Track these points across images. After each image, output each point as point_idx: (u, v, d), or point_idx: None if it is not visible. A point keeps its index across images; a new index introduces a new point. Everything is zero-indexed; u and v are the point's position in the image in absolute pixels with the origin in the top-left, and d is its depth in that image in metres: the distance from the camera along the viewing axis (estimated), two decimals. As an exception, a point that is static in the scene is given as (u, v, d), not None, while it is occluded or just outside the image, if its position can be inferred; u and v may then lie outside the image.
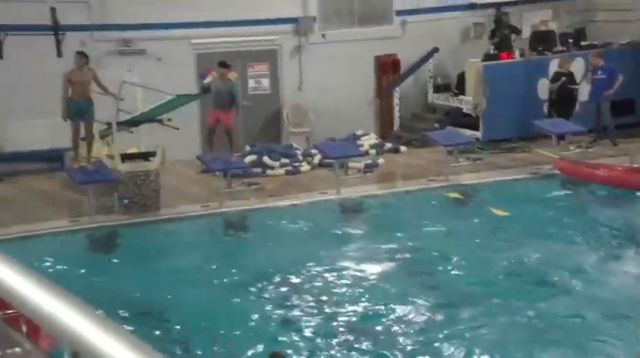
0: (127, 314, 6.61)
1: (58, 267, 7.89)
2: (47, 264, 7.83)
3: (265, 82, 13.22)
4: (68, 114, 9.86)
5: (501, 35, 13.55)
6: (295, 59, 13.26)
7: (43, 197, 10.46)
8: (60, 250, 8.65)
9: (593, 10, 14.62)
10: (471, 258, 8.08)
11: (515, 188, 10.62)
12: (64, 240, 8.89)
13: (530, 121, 12.07)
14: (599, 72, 12.53)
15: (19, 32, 11.01)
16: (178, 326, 6.62)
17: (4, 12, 11.10)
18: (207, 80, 10.73)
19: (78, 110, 9.86)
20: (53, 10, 11.29)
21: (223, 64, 10.64)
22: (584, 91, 12.86)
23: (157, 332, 6.41)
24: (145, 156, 9.92)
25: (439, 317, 6.65)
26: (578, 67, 13.08)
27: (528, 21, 14.42)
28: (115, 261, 8.35)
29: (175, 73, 11.28)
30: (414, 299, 7.05)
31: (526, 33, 14.13)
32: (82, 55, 10.02)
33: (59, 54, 11.14)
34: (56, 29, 11.28)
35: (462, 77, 13.63)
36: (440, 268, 7.85)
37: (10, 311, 1.58)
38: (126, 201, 9.44)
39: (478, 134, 12.70)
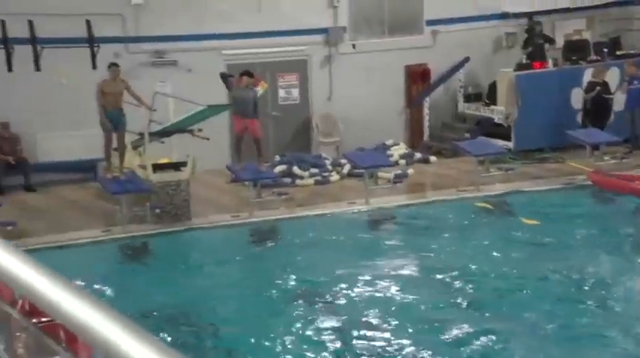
0: (159, 323, 6.65)
1: (91, 275, 7.97)
2: (80, 272, 7.91)
3: (295, 92, 13.27)
4: (106, 124, 9.99)
5: (534, 45, 13.39)
6: (325, 69, 13.28)
7: (76, 207, 10.61)
8: (93, 259, 8.76)
9: (628, 19, 14.38)
10: (500, 268, 7.98)
11: (547, 198, 10.46)
12: (96, 249, 9.00)
13: (563, 131, 11.90)
14: (636, 82, 12.32)
15: (56, 45, 11.22)
16: (210, 335, 6.65)
17: (41, 26, 11.33)
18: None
19: (110, 121, 10.01)
20: (88, 22, 11.49)
21: (248, 74, 10.72)
22: (619, 101, 12.64)
23: (189, 341, 6.45)
24: (176, 166, 10.02)
25: (467, 327, 6.56)
26: (612, 76, 12.87)
27: (562, 30, 14.24)
28: (146, 270, 8.42)
29: (206, 84, 11.38)
30: (442, 310, 6.99)
31: (559, 42, 13.96)
32: (116, 67, 10.19)
33: (94, 66, 11.33)
34: (91, 42, 11.48)
35: (493, 87, 13.51)
36: (468, 278, 7.76)
37: (45, 320, 1.59)
38: (157, 210, 9.53)
39: (510, 144, 12.56)
